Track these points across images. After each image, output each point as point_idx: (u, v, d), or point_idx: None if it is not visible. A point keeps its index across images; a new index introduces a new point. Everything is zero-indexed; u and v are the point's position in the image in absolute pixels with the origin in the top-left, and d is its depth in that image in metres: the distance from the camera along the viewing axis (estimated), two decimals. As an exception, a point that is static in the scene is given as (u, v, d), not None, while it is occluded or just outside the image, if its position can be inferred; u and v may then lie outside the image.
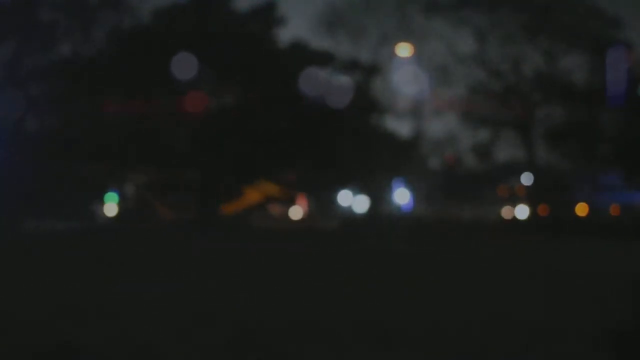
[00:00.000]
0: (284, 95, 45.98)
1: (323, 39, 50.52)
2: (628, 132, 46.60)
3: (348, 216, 52.36)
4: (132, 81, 45.06)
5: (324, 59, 48.49)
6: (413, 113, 50.60)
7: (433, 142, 53.49)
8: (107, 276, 16.10)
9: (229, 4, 49.03)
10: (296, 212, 51.80)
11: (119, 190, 48.70)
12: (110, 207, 48.45)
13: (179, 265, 19.28)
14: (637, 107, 46.20)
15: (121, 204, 48.52)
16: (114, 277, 16.00)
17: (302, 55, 47.74)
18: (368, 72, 49.44)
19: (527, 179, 51.20)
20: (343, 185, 52.96)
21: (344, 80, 48.16)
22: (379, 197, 52.24)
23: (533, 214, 50.16)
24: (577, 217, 50.29)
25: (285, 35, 49.40)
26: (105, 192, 47.74)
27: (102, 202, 48.60)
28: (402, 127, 53.65)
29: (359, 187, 53.27)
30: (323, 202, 54.11)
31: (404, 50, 49.16)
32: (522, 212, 51.28)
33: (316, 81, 46.47)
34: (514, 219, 51.04)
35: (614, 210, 50.96)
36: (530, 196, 51.23)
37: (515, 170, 52.04)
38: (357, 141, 48.52)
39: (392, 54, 49.55)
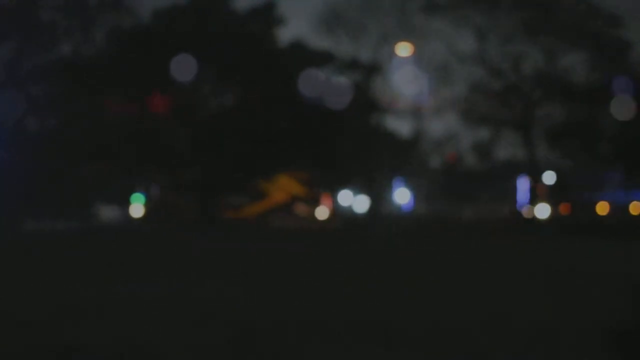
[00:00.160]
0: (284, 95, 45.98)
1: (323, 39, 50.58)
2: (628, 131, 46.59)
3: (348, 216, 52.36)
4: (132, 81, 45.07)
5: (324, 58, 48.50)
6: (413, 112, 50.61)
7: (433, 141, 53.52)
8: (107, 276, 16.10)
9: (229, 4, 49.04)
10: (322, 212, 51.49)
11: (145, 191, 48.65)
12: (137, 207, 48.44)
13: (179, 265, 19.28)
14: (637, 106, 46.21)
15: (147, 204, 48.47)
16: (114, 277, 16.00)
17: (302, 55, 47.74)
18: (368, 71, 49.44)
19: (548, 177, 50.98)
20: (343, 185, 52.99)
21: (344, 80, 48.18)
22: (379, 196, 52.24)
23: (554, 213, 50.00)
24: (598, 217, 50.11)
25: (285, 35, 49.45)
26: (104, 192, 47.70)
27: (106, 202, 48.60)
28: (402, 127, 53.73)
29: (359, 187, 53.27)
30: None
31: (404, 49, 49.15)
32: (542, 211, 50.97)
33: (316, 81, 46.48)
34: (534, 218, 50.63)
35: (635, 208, 50.70)
36: (551, 195, 51.01)
37: (515, 169, 51.98)
38: (357, 141, 48.53)
39: (392, 54, 49.55)
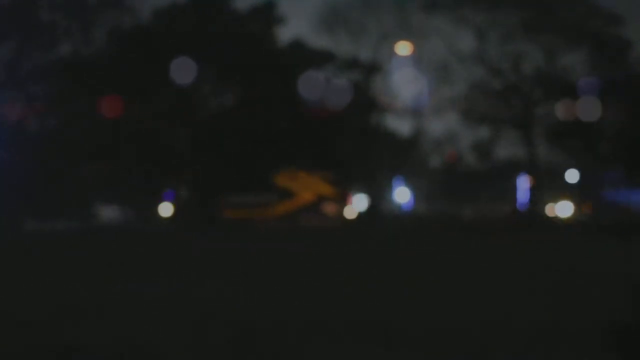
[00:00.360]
0: (284, 95, 45.97)
1: (323, 38, 50.57)
2: (629, 130, 46.60)
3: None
4: (132, 81, 45.07)
5: (324, 58, 48.51)
6: (413, 112, 50.60)
7: (433, 140, 53.54)
8: (107, 276, 16.10)
9: (229, 3, 49.03)
10: (350, 211, 51.27)
11: (175, 190, 48.50)
12: (166, 207, 48.29)
13: (179, 265, 19.28)
14: (637, 105, 46.22)
15: (176, 204, 48.31)
16: (114, 277, 16.00)
17: (302, 54, 47.76)
18: (368, 70, 49.45)
19: (571, 176, 50.79)
20: (343, 185, 52.91)
21: (344, 80, 48.17)
22: (379, 196, 52.22)
23: (577, 211, 49.81)
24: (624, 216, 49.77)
25: (285, 34, 49.45)
26: (105, 192, 47.64)
27: (109, 202, 48.52)
28: (402, 126, 53.70)
29: (359, 186, 53.24)
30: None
31: (403, 48, 49.15)
32: (565, 209, 50.72)
33: (316, 81, 46.48)
34: (556, 217, 50.33)
35: None
36: (575, 194, 50.85)
37: (515, 168, 51.90)
38: (357, 140, 48.53)
39: (392, 53, 49.56)
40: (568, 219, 49.47)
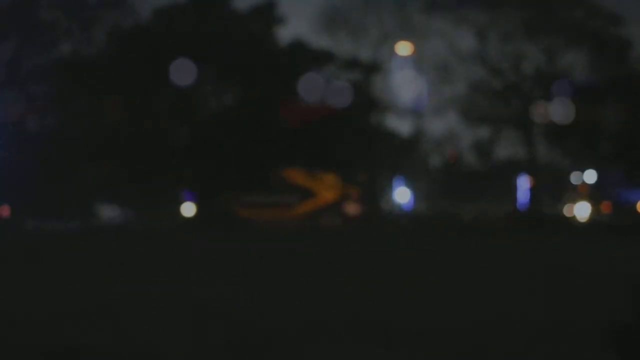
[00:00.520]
0: (284, 95, 45.97)
1: (323, 38, 50.51)
2: (629, 129, 46.60)
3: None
4: (132, 81, 45.07)
5: (324, 58, 48.50)
6: (413, 111, 50.59)
7: (433, 140, 53.53)
8: (107, 276, 16.10)
9: (229, 4, 49.02)
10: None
11: (197, 191, 48.20)
12: (189, 206, 47.97)
13: (179, 265, 19.28)
14: (637, 105, 46.22)
15: (199, 204, 47.98)
16: (114, 277, 16.00)
17: (302, 54, 47.75)
18: (368, 70, 49.43)
19: (589, 176, 50.60)
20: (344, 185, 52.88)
21: (344, 80, 48.17)
22: (379, 195, 52.19)
23: (595, 212, 49.59)
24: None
25: (285, 34, 49.43)
26: (105, 192, 47.60)
27: (109, 202, 48.44)
28: (402, 126, 53.63)
29: (359, 187, 53.16)
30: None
31: (404, 48, 49.15)
32: (582, 209, 50.49)
33: (316, 81, 46.48)
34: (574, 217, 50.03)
35: None
36: (593, 194, 50.65)
37: (516, 168, 51.83)
38: (358, 140, 48.51)
39: (392, 53, 49.55)
40: (586, 220, 49.10)
